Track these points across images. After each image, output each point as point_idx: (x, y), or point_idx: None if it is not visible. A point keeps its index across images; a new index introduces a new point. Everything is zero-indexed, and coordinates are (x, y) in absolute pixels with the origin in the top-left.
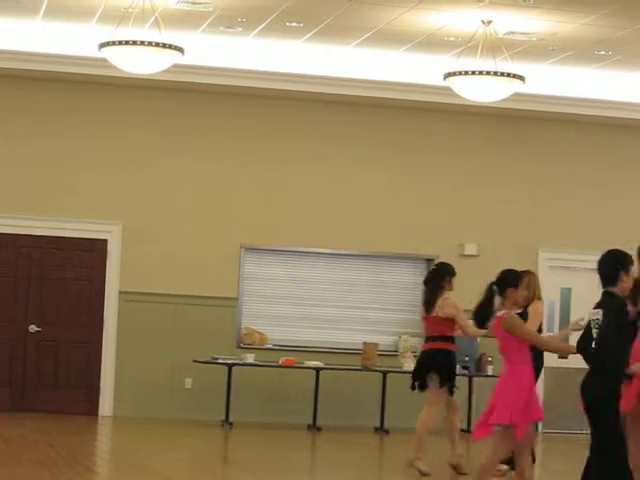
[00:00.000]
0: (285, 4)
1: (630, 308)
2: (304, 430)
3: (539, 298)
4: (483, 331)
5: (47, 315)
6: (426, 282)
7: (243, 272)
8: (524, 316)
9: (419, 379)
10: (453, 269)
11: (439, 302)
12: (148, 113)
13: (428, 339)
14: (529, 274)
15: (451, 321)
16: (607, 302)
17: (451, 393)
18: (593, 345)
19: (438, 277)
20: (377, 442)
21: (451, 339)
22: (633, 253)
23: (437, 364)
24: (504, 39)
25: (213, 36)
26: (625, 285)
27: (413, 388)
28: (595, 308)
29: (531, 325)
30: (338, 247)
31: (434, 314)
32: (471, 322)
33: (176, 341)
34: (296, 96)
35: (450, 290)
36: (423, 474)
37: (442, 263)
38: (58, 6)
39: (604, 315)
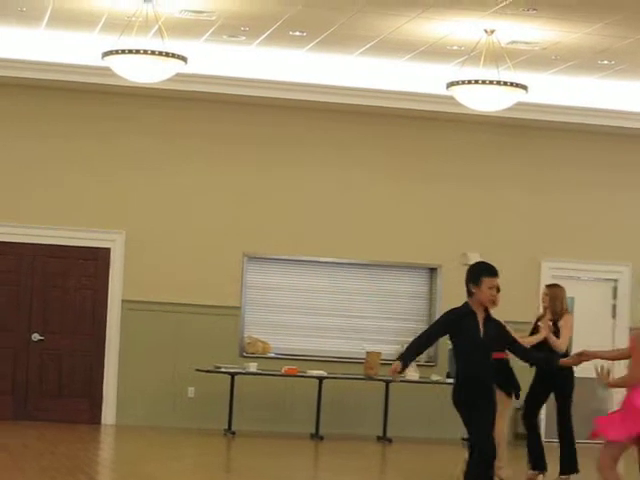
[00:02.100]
0: (288, 13)
1: None
2: (307, 439)
3: (568, 311)
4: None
5: (50, 324)
6: None
7: (246, 281)
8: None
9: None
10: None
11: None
12: (152, 122)
13: None
14: (557, 288)
15: None
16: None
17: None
18: None
19: None
20: (380, 451)
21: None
22: None
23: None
24: (507, 48)
25: (216, 45)
26: (480, 297)
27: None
28: None
29: (564, 339)
30: (341, 256)
31: None
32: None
33: (179, 350)
34: (299, 105)
35: None
36: None
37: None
38: (62, 15)
39: None
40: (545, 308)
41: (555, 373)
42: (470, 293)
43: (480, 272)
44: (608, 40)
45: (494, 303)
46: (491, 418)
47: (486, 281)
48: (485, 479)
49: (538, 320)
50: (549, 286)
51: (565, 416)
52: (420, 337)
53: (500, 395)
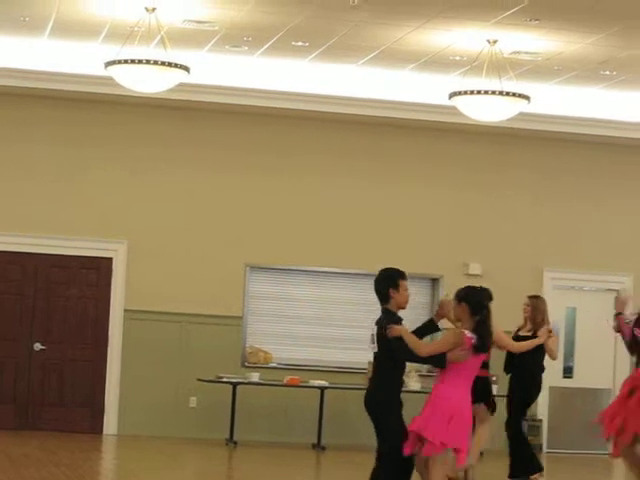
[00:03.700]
0: (291, 23)
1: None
2: (309, 449)
3: (548, 324)
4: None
5: (52, 333)
6: None
7: (248, 291)
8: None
9: None
10: (490, 294)
11: None
12: (154, 131)
13: None
14: (539, 299)
15: None
16: (380, 318)
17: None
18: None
19: None
20: None
21: (486, 365)
22: None
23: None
24: (509, 58)
25: (219, 55)
26: (399, 300)
27: None
28: (375, 324)
29: (529, 344)
30: (343, 266)
31: None
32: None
33: (181, 360)
34: (302, 115)
35: None
36: None
37: (480, 289)
38: (64, 24)
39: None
40: (525, 319)
41: (514, 380)
42: (388, 298)
43: (397, 276)
44: (610, 50)
45: (406, 304)
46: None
47: (403, 284)
48: None
49: (518, 330)
50: (531, 297)
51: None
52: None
53: (480, 410)
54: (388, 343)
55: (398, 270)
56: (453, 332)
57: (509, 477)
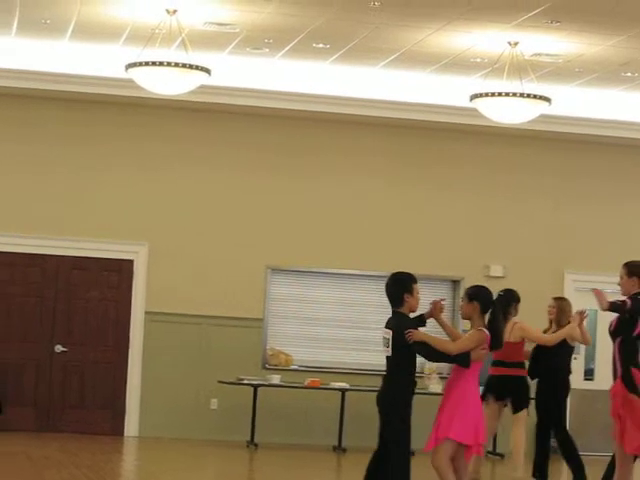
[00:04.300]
0: (312, 25)
1: None
2: (329, 451)
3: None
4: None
5: (73, 335)
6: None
7: (269, 293)
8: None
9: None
10: (518, 295)
11: (508, 328)
12: (175, 134)
13: (497, 363)
14: (564, 301)
15: (521, 346)
16: (394, 322)
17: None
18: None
19: (505, 304)
20: None
21: (522, 364)
22: None
23: (512, 391)
24: (530, 60)
25: (240, 57)
26: (412, 304)
27: None
28: (386, 327)
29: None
30: (364, 268)
31: (505, 340)
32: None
33: (202, 362)
34: (323, 117)
35: (515, 315)
36: None
37: (508, 290)
38: (85, 27)
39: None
40: (550, 321)
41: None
42: (402, 302)
43: (410, 281)
44: (632, 52)
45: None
46: None
47: (416, 288)
48: None
49: (544, 333)
50: (557, 299)
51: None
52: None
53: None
54: (408, 348)
55: (409, 274)
56: (477, 331)
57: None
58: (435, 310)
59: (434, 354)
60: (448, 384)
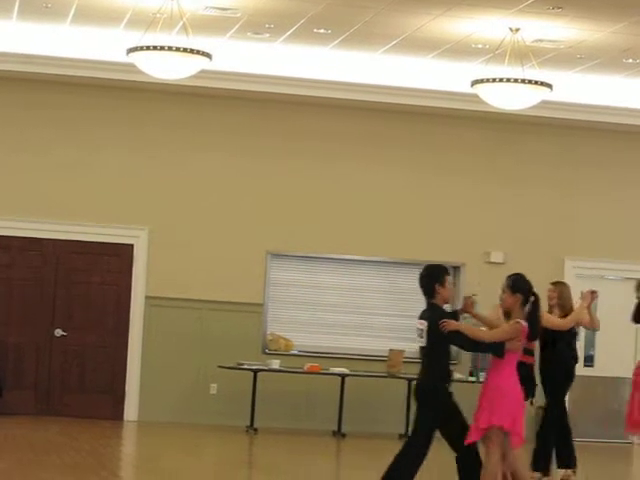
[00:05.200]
0: (313, 11)
1: None
2: (329, 436)
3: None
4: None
5: (73, 320)
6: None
7: (269, 278)
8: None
9: None
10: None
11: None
12: (175, 118)
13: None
14: (564, 285)
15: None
16: (429, 313)
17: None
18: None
19: None
20: None
21: (531, 352)
22: None
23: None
24: (532, 47)
25: (241, 42)
26: (445, 295)
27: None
28: (420, 318)
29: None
30: (365, 253)
31: None
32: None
33: (201, 346)
34: (323, 102)
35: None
36: None
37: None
38: (86, 11)
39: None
40: (551, 306)
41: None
42: (434, 293)
43: (442, 272)
44: (633, 38)
45: (451, 298)
46: None
47: (448, 279)
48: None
49: None
50: (556, 283)
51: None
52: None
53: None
54: (443, 337)
55: (442, 266)
56: (515, 323)
57: (558, 467)
58: (467, 305)
59: (468, 343)
60: (486, 375)
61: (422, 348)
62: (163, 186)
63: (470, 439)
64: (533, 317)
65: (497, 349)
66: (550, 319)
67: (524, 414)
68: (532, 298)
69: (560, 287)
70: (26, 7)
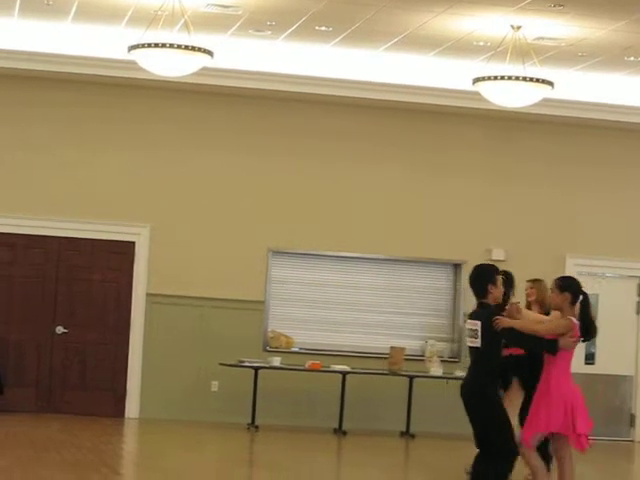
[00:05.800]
0: (314, 8)
1: None
2: (330, 434)
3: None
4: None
5: (74, 317)
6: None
7: (270, 275)
8: None
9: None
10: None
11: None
12: (177, 116)
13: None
14: (543, 282)
15: None
16: (482, 313)
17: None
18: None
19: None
20: (403, 446)
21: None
22: None
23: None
24: (533, 44)
25: (242, 39)
26: (496, 294)
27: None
28: (471, 319)
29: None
30: (366, 251)
31: None
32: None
33: (203, 344)
34: (325, 100)
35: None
36: None
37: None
38: (88, 8)
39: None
40: (529, 302)
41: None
42: (486, 293)
43: (493, 272)
44: (635, 37)
45: (501, 297)
46: None
47: (499, 278)
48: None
49: None
50: (534, 281)
51: None
52: None
53: (519, 390)
54: (497, 336)
55: (493, 265)
56: (565, 318)
57: None
58: (512, 312)
59: (522, 340)
60: (542, 377)
61: (473, 349)
62: (165, 184)
63: (528, 444)
64: (585, 316)
65: (551, 346)
66: (528, 324)
67: (584, 408)
68: (581, 297)
69: (539, 284)
70: (27, 5)
